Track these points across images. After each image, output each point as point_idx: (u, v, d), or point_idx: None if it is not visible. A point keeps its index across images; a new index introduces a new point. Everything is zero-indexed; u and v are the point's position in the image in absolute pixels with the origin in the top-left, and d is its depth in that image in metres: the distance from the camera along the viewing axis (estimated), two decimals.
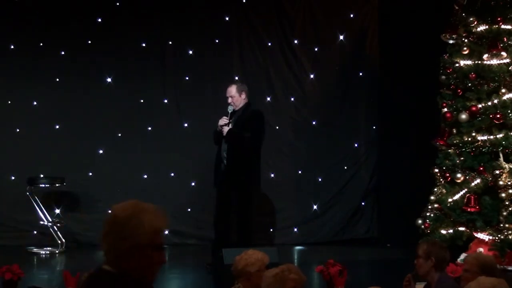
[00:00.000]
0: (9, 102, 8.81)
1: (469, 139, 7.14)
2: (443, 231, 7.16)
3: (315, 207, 9.21)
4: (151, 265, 2.36)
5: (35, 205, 8.31)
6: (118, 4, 8.95)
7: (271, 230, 9.07)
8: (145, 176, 8.94)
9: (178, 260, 8.05)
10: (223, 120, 7.36)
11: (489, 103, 7.08)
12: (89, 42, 8.88)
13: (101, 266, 2.39)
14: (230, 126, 7.37)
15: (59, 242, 8.23)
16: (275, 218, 9.12)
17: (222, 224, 7.47)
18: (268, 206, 9.11)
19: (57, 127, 8.83)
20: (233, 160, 7.35)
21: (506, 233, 6.75)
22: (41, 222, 8.32)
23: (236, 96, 7.46)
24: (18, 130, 8.76)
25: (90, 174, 8.84)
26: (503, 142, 7.00)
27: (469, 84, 7.28)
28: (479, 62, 7.18)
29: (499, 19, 7.14)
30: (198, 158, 8.77)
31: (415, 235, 7.29)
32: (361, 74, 9.37)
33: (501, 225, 6.84)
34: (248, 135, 7.38)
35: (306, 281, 3.60)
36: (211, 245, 7.68)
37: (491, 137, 7.05)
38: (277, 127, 9.21)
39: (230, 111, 7.41)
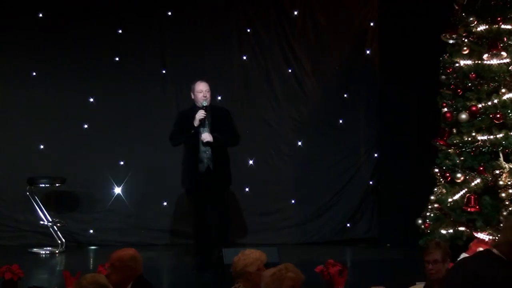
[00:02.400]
0: (9, 102, 8.81)
1: (469, 139, 7.13)
2: (443, 231, 7.15)
3: (315, 207, 9.20)
4: None
5: (35, 205, 8.32)
6: (118, 4, 8.95)
7: (271, 230, 9.06)
8: (145, 176, 8.93)
9: (178, 260, 8.06)
10: (202, 114, 7.06)
11: (489, 103, 7.07)
12: (89, 41, 8.88)
13: (491, 249, 2.68)
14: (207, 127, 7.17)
15: (59, 242, 8.24)
16: (275, 218, 9.12)
17: (206, 228, 7.23)
18: (268, 206, 9.11)
19: (57, 127, 8.83)
20: (219, 162, 7.16)
21: None
22: (41, 222, 8.33)
23: (209, 92, 7.22)
24: (18, 130, 8.76)
25: (90, 174, 8.83)
26: (503, 142, 6.99)
27: (469, 84, 7.27)
28: (479, 62, 7.17)
29: (499, 19, 7.13)
30: None
31: (415, 235, 7.30)
32: (361, 74, 9.37)
33: (501, 225, 6.83)
34: (232, 138, 7.30)
35: (304, 280, 3.60)
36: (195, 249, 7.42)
37: (491, 137, 7.04)
38: (277, 127, 9.21)
39: (205, 105, 7.11)
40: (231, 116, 7.44)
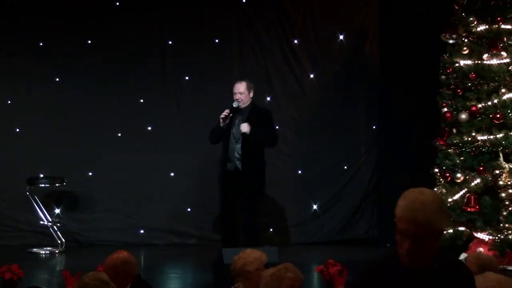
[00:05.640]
0: (9, 102, 8.82)
1: (469, 139, 7.14)
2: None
3: (315, 207, 9.20)
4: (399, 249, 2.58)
5: (35, 205, 8.31)
6: (118, 4, 8.95)
7: (271, 230, 9.06)
8: (145, 176, 8.93)
9: (178, 260, 8.06)
10: (224, 113, 7.22)
11: (489, 103, 7.09)
12: (89, 42, 8.89)
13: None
14: (240, 122, 7.29)
15: (59, 242, 8.24)
16: (275, 218, 9.12)
17: (233, 226, 7.37)
18: (268, 206, 9.11)
19: (57, 127, 8.82)
20: (250, 163, 7.29)
21: (506, 233, 6.75)
22: (41, 222, 8.32)
23: (245, 93, 7.42)
24: (18, 130, 8.77)
25: (90, 174, 8.84)
26: (503, 142, 7.00)
27: (469, 84, 7.28)
28: (479, 62, 7.19)
29: (499, 19, 7.14)
30: (198, 158, 8.77)
31: None
32: (361, 74, 9.36)
33: (501, 225, 6.84)
34: (269, 135, 7.45)
35: (303, 279, 3.60)
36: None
37: (491, 137, 7.05)
38: (277, 127, 9.19)
39: (235, 106, 7.34)
40: (271, 116, 7.62)
